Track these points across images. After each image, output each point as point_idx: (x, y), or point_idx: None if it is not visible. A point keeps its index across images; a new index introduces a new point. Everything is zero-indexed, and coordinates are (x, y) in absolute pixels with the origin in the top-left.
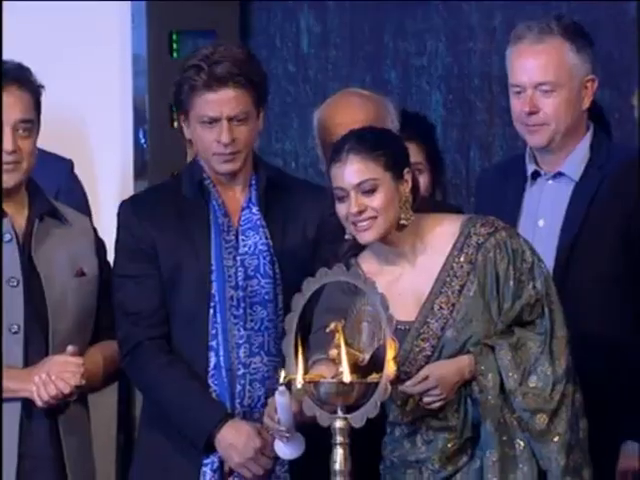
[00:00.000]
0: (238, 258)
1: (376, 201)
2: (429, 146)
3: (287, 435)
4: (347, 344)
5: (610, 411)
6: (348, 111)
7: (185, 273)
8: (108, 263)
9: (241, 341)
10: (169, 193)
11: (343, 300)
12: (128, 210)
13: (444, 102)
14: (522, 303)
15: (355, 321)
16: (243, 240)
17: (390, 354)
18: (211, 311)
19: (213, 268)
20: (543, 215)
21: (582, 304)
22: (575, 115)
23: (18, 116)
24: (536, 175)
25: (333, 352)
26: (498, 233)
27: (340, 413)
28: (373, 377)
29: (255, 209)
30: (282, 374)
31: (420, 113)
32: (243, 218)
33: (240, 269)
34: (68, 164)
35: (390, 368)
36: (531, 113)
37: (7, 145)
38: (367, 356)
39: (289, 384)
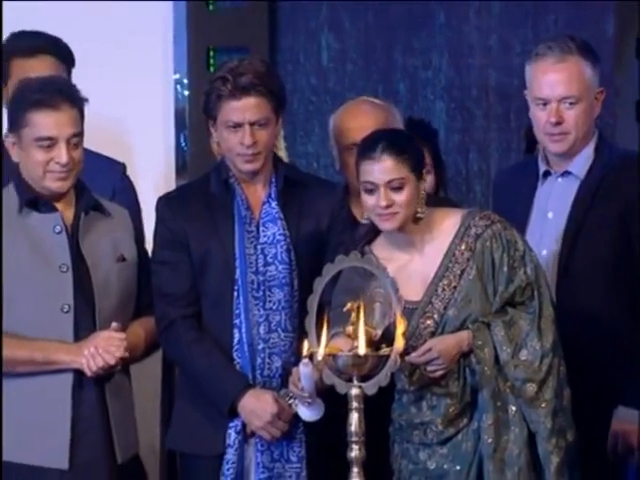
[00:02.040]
0: (258, 247)
1: (402, 197)
2: (433, 149)
3: (309, 400)
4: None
5: (607, 379)
6: (360, 117)
7: (213, 260)
8: (146, 250)
9: (261, 319)
10: (199, 190)
11: (358, 283)
12: (164, 206)
13: (447, 110)
14: (514, 286)
15: (369, 301)
16: (263, 231)
17: (399, 330)
18: (235, 293)
19: (237, 256)
20: (552, 208)
21: (585, 284)
22: (589, 123)
23: (70, 131)
24: (547, 174)
25: (349, 328)
26: (494, 225)
27: (355, 382)
28: (384, 350)
29: (274, 204)
30: (305, 347)
31: (425, 120)
32: (263, 212)
33: (260, 256)
34: (121, 167)
35: (399, 343)
36: (557, 123)
37: (63, 158)
38: (379, 332)
39: (311, 356)
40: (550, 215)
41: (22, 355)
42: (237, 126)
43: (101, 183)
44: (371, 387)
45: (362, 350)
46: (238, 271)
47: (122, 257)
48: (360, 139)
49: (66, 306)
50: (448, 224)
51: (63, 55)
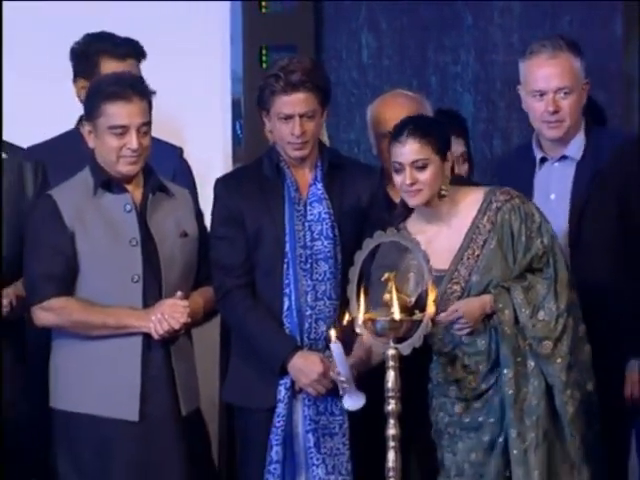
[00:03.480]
0: (306, 224)
1: (425, 176)
2: (467, 140)
3: (346, 385)
4: (397, 290)
5: (619, 335)
6: (395, 108)
7: (265, 235)
8: (205, 227)
9: (308, 289)
10: (253, 172)
11: (392, 259)
12: (221, 186)
13: (473, 102)
14: (532, 254)
15: (404, 272)
16: (310, 210)
17: (431, 297)
18: (285, 266)
19: (287, 232)
20: (554, 191)
21: (594, 256)
22: (579, 111)
23: (140, 120)
24: (543, 160)
25: (386, 296)
26: (513, 200)
27: (392, 344)
28: (417, 316)
29: (320, 185)
30: (347, 315)
31: (459, 113)
32: (310, 192)
33: (307, 233)
34: (179, 151)
35: (431, 308)
36: (555, 112)
37: (133, 144)
38: (413, 299)
39: (353, 321)
40: (552, 197)
41: (97, 320)
42: (288, 118)
43: (163, 166)
44: (406, 348)
45: (397, 315)
46: (288, 246)
47: (184, 233)
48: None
49: (136, 276)
50: (472, 200)
51: (141, 56)
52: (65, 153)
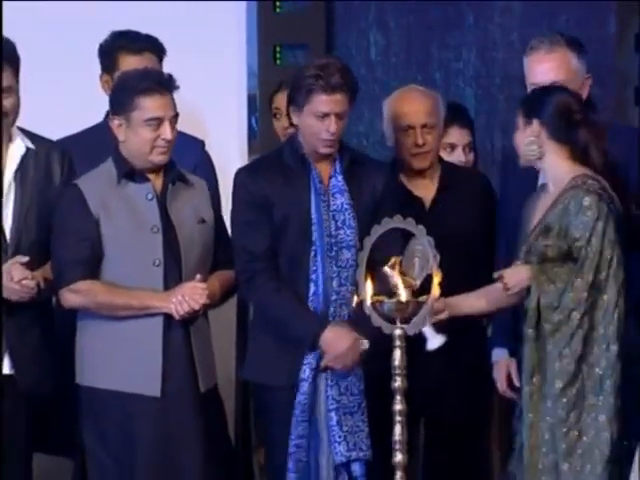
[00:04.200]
0: (330, 214)
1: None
2: (472, 130)
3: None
4: (404, 274)
5: None
6: (413, 102)
7: (292, 224)
8: (221, 215)
9: (334, 275)
10: (273, 162)
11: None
12: (245, 174)
13: (475, 95)
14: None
15: (409, 257)
16: (332, 200)
17: (435, 281)
18: (312, 253)
19: (314, 221)
20: None
21: None
22: None
23: (172, 112)
24: None
25: (393, 280)
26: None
27: (398, 324)
28: (422, 298)
29: (340, 177)
30: (355, 297)
31: (465, 107)
32: (331, 184)
33: (332, 222)
34: (200, 143)
35: (435, 291)
36: None
37: (168, 135)
38: (418, 282)
39: (361, 303)
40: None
41: (121, 302)
42: (325, 116)
43: (185, 158)
44: (411, 328)
45: (403, 297)
46: (316, 234)
47: (202, 220)
48: (414, 122)
49: (157, 260)
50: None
51: (160, 52)
52: (92, 145)
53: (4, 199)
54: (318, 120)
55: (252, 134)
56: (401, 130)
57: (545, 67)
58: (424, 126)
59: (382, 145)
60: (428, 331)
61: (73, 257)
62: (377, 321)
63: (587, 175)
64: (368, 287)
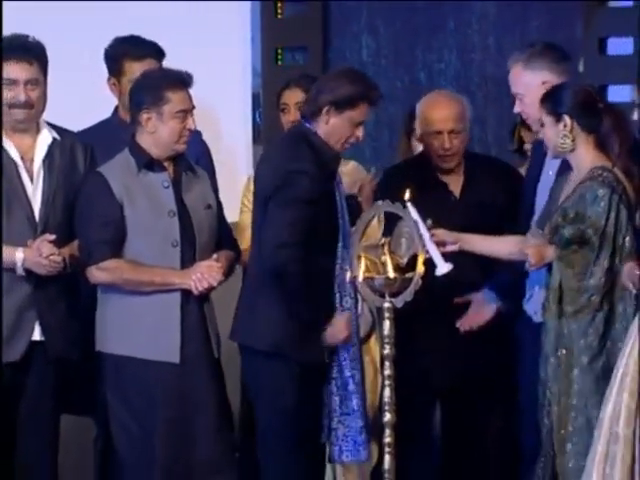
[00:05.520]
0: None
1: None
2: None
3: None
4: (392, 252)
5: None
6: (442, 109)
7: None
8: (220, 201)
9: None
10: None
11: None
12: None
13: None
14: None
15: (397, 237)
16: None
17: (420, 259)
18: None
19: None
20: (552, 168)
21: None
22: None
23: (193, 106)
24: None
25: (382, 258)
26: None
27: (387, 298)
28: (409, 274)
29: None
30: (349, 273)
31: None
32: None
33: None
34: (198, 134)
35: (420, 268)
36: (519, 113)
37: (193, 125)
38: (405, 260)
39: (355, 279)
40: (550, 173)
41: (145, 278)
42: (360, 124)
43: (190, 149)
44: (399, 301)
45: (391, 274)
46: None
47: (208, 205)
48: (442, 128)
49: (175, 242)
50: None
51: (161, 56)
52: (103, 138)
53: (34, 184)
54: (354, 126)
55: (256, 127)
56: (430, 134)
57: (510, 80)
58: (451, 132)
59: (372, 138)
60: (437, 258)
61: (100, 238)
62: (369, 295)
63: (604, 167)
64: (361, 265)
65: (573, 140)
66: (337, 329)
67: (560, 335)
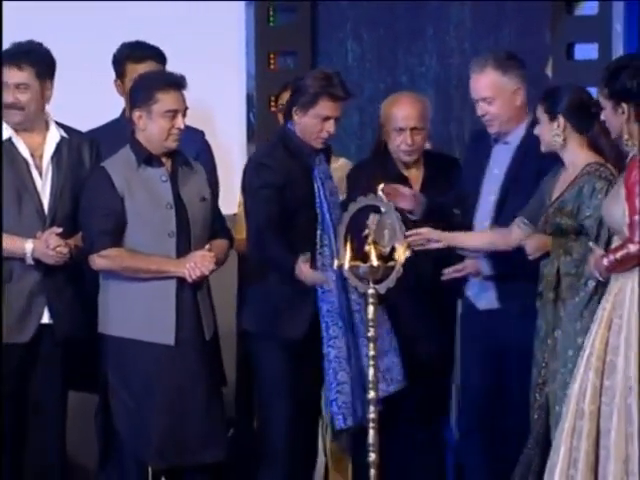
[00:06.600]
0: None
1: None
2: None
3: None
4: (375, 242)
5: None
6: (405, 107)
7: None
8: (217, 194)
9: None
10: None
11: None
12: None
13: (435, 94)
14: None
15: (380, 229)
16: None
17: (401, 250)
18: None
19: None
20: (497, 167)
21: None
22: (512, 110)
23: (184, 106)
24: (496, 141)
25: (367, 248)
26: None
27: (371, 284)
28: (391, 263)
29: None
30: (336, 261)
31: None
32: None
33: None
34: (201, 134)
35: (401, 257)
36: (483, 116)
37: (181, 124)
38: (387, 249)
39: (341, 266)
40: (496, 171)
41: (143, 266)
42: (328, 119)
43: (189, 146)
44: (382, 288)
45: (375, 262)
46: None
47: (203, 198)
48: (404, 125)
49: (171, 232)
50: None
51: (162, 59)
52: (112, 137)
53: (43, 179)
54: (320, 121)
55: (250, 127)
56: (394, 130)
57: (473, 86)
58: (413, 129)
59: (357, 137)
60: None
61: (102, 228)
62: (354, 282)
63: (599, 163)
64: (347, 254)
65: (564, 139)
66: (301, 273)
67: (557, 317)
